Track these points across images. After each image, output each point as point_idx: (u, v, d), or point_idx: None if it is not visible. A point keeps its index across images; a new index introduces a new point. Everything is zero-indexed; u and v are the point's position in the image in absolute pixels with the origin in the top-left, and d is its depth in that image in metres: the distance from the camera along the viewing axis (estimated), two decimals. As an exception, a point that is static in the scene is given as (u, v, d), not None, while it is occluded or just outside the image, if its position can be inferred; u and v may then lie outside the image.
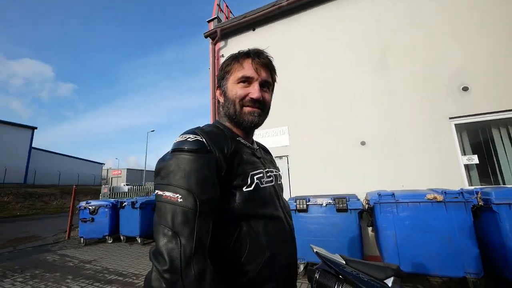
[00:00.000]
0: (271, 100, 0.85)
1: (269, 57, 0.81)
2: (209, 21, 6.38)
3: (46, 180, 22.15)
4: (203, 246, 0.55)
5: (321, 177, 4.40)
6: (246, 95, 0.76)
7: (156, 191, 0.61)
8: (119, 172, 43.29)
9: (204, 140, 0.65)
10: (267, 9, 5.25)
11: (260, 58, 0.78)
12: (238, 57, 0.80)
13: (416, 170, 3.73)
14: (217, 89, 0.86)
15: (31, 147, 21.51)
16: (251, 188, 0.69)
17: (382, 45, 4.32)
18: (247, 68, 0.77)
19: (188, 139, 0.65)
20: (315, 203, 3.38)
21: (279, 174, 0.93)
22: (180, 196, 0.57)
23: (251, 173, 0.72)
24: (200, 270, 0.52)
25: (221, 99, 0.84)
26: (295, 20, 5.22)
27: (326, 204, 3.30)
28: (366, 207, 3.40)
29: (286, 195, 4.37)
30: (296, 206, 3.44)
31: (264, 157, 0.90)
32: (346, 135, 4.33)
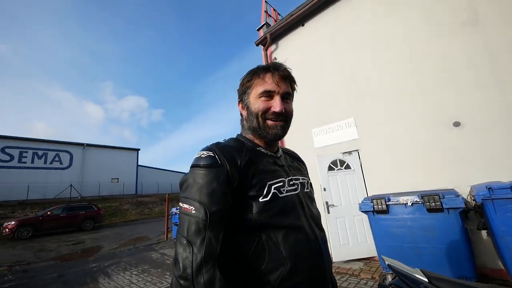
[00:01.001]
0: (293, 109, 0.85)
1: (287, 69, 0.81)
2: (258, 29, 6.54)
3: (149, 190, 27.33)
4: (212, 255, 0.58)
5: (404, 171, 3.74)
6: (269, 108, 0.77)
7: (180, 203, 0.66)
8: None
9: (215, 155, 0.69)
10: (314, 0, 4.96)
11: (279, 71, 0.79)
12: (258, 72, 0.81)
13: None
14: (239, 103, 0.88)
15: (137, 165, 27.09)
16: (267, 198, 0.69)
17: (471, -3, 3.37)
18: (268, 83, 0.78)
19: (202, 156, 0.69)
20: (397, 202, 2.88)
21: (307, 181, 0.90)
22: (193, 208, 0.62)
23: (268, 183, 0.71)
24: (209, 279, 0.55)
25: (244, 113, 0.86)
26: (348, 2, 4.73)
27: (412, 203, 2.77)
28: (473, 205, 2.66)
29: (362, 194, 4.00)
30: (373, 207, 3.03)
31: (289, 164, 0.89)
32: (432, 116, 3.55)
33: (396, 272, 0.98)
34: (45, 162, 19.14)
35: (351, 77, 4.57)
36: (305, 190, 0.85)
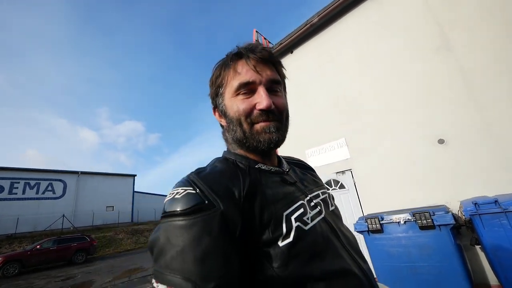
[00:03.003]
0: (286, 103, 0.63)
1: (266, 49, 0.60)
2: (250, 57, 6.92)
3: (146, 217, 26.52)
4: None
5: (397, 188, 3.81)
6: (252, 107, 0.56)
7: (153, 280, 0.41)
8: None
9: (197, 191, 0.45)
10: (301, 30, 5.37)
11: (255, 53, 0.57)
12: (226, 63, 0.60)
13: (531, 164, 2.82)
14: (214, 111, 0.67)
15: (133, 191, 26.56)
16: (290, 239, 0.46)
17: (439, 21, 3.71)
18: (244, 72, 0.56)
19: (176, 196, 0.45)
20: (391, 221, 2.91)
21: (329, 194, 0.68)
22: None
23: (285, 214, 0.49)
24: None
25: (223, 122, 0.64)
26: (333, 30, 5.12)
27: (405, 221, 2.80)
28: (463, 220, 2.71)
29: (358, 213, 4.02)
30: (368, 227, 3.04)
31: (301, 177, 0.67)
32: (419, 134, 3.71)
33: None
34: (37, 192, 18.71)
35: (339, 98, 4.80)
36: (331, 209, 0.63)
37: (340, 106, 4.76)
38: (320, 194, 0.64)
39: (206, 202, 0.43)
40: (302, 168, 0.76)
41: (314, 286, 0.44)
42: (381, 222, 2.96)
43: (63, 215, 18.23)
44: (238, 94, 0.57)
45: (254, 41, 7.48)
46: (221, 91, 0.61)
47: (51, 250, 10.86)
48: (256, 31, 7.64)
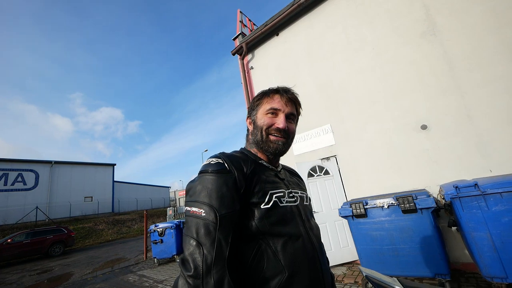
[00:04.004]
0: (295, 130, 0.91)
1: (295, 93, 0.89)
2: (234, 39, 6.60)
3: (127, 207, 25.86)
4: (222, 257, 0.59)
5: (381, 174, 3.87)
6: (273, 124, 0.83)
7: (185, 207, 0.68)
8: (184, 193, 47.53)
9: (224, 162, 0.72)
10: (287, 10, 5.13)
11: (288, 94, 0.86)
12: (268, 93, 0.89)
13: (506, 149, 2.93)
14: (247, 119, 0.95)
15: (113, 181, 25.60)
16: (268, 206, 0.71)
17: (425, 4, 3.67)
18: (276, 101, 0.85)
19: (211, 162, 0.73)
20: (375, 205, 2.95)
21: (306, 195, 0.94)
22: (203, 211, 0.63)
23: (270, 192, 0.74)
24: (219, 279, 0.57)
25: (250, 127, 0.92)
26: (320, 12, 4.93)
27: (388, 206, 2.85)
28: (443, 203, 2.80)
29: (341, 199, 4.06)
30: (352, 212, 3.07)
31: (289, 179, 0.93)
32: (403, 120, 3.74)
33: (373, 283, 0.96)
34: (5, 184, 17.44)
35: (325, 84, 4.72)
36: (305, 203, 0.89)
37: (327, 91, 4.68)
38: (299, 193, 0.90)
39: (228, 168, 0.71)
40: (293, 175, 1.04)
41: (275, 239, 0.69)
42: (365, 206, 3.00)
43: (37, 207, 17.21)
44: (267, 113, 0.85)
45: (237, 23, 7.16)
46: (257, 108, 0.89)
47: (25, 243, 10.27)
48: (240, 12, 7.27)
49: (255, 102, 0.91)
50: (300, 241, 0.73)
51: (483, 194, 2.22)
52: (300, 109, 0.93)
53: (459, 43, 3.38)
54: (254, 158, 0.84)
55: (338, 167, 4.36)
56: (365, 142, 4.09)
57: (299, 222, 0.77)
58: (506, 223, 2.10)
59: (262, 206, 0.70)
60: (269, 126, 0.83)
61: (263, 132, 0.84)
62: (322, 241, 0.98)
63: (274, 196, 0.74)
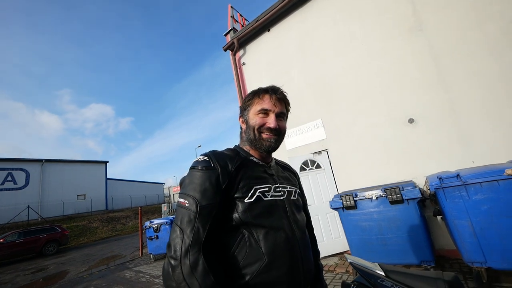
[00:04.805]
0: (286, 127, 0.97)
1: (284, 92, 0.95)
2: (225, 34, 6.55)
3: (121, 205, 25.68)
4: (199, 242, 0.68)
5: (370, 166, 3.98)
6: (264, 124, 0.88)
7: (178, 198, 0.79)
8: (178, 188, 47.43)
9: (210, 160, 0.80)
10: (278, 5, 5.11)
11: (277, 94, 0.91)
12: (258, 93, 0.93)
13: (487, 141, 3.06)
14: (240, 118, 0.99)
15: (106, 179, 25.32)
16: (251, 200, 0.78)
17: (413, 1, 3.73)
18: (266, 102, 0.89)
19: (199, 160, 0.81)
20: (364, 197, 3.05)
21: (295, 190, 0.98)
22: (187, 202, 0.73)
23: (254, 187, 0.81)
24: (194, 261, 0.65)
25: (243, 126, 0.97)
26: (311, 7, 4.94)
27: (377, 197, 2.95)
28: (428, 194, 2.92)
29: (333, 192, 4.17)
30: (343, 204, 3.17)
31: (279, 174, 0.98)
32: (391, 114, 3.83)
33: (357, 269, 1.03)
34: (-6, 183, 17.02)
35: (316, 79, 4.77)
36: (292, 198, 0.93)
37: (318, 86, 4.74)
38: (288, 187, 0.94)
39: (212, 165, 0.79)
40: (285, 169, 1.07)
41: (258, 229, 0.76)
42: (355, 198, 3.09)
43: (28, 206, 16.93)
44: (259, 113, 0.90)
45: (229, 18, 7.10)
46: (248, 108, 0.94)
47: (17, 243, 10.16)
48: (232, 7, 7.19)
49: (246, 103, 0.95)
50: (282, 232, 0.79)
51: (465, 184, 2.33)
52: (289, 107, 0.99)
53: (444, 38, 3.47)
54: (245, 155, 0.90)
55: (329, 160, 4.45)
56: (355, 136, 4.18)
57: (283, 215, 0.83)
58: (485, 211, 2.22)
59: (245, 200, 0.77)
60: (261, 126, 0.88)
61: (256, 132, 0.89)
62: (314, 233, 1.10)
63: (258, 191, 0.81)
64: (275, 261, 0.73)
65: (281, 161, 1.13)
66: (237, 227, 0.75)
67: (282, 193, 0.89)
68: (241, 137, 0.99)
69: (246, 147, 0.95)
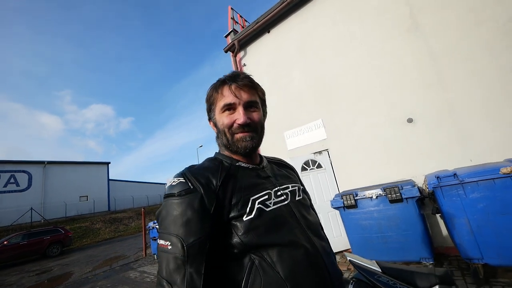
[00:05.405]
0: (263, 117, 0.82)
1: (247, 77, 0.78)
2: (226, 36, 6.61)
3: (123, 205, 25.79)
4: None
5: (370, 166, 4.04)
6: (233, 122, 0.74)
7: (157, 239, 0.61)
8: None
9: (187, 180, 0.64)
10: (278, 7, 5.17)
11: (237, 82, 0.75)
12: (217, 87, 0.78)
13: (484, 140, 3.12)
14: (209, 121, 0.85)
15: (108, 179, 25.44)
16: (251, 216, 0.64)
17: (410, 3, 3.78)
18: (226, 95, 0.75)
19: (173, 183, 0.65)
20: (364, 196, 3.12)
21: (298, 187, 0.84)
22: (169, 243, 0.57)
23: (251, 199, 0.67)
24: None
25: (215, 130, 0.83)
26: (310, 9, 5.00)
27: (377, 196, 3.02)
28: (427, 193, 2.98)
29: (334, 191, 4.23)
30: (343, 203, 3.24)
31: (276, 173, 0.84)
32: (391, 114, 3.89)
33: (355, 266, 1.09)
34: (-3, 186, 17.15)
35: (316, 79, 4.83)
36: (297, 198, 0.79)
37: (318, 87, 4.80)
38: (290, 187, 0.80)
39: (191, 186, 0.63)
40: (280, 166, 0.94)
41: (269, 251, 0.62)
42: (355, 198, 3.16)
43: (31, 208, 17.06)
44: (224, 111, 0.76)
45: (229, 20, 7.14)
46: (213, 108, 0.80)
47: (21, 245, 10.26)
48: (232, 8, 7.25)
49: (208, 101, 0.81)
50: (298, 246, 0.65)
51: (462, 183, 2.39)
52: (260, 91, 0.82)
53: (443, 39, 3.52)
54: (230, 162, 0.76)
55: (330, 160, 4.52)
56: (355, 136, 4.24)
57: (293, 224, 0.69)
58: (481, 209, 2.29)
59: (244, 218, 0.63)
60: (230, 126, 0.74)
61: (227, 134, 0.75)
62: (324, 235, 0.85)
63: (256, 202, 0.67)
64: (299, 285, 0.60)
65: (273, 157, 0.98)
66: (241, 254, 0.61)
67: (285, 196, 0.75)
68: (218, 143, 0.84)
69: (226, 153, 0.80)
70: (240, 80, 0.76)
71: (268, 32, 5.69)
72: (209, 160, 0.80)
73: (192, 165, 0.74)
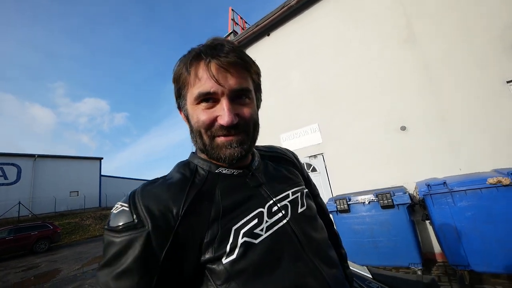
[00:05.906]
0: (256, 111, 0.57)
1: (234, 49, 0.50)
2: (226, 37, 6.63)
3: (115, 202, 25.32)
4: None
5: (363, 171, 4.11)
6: (214, 120, 0.50)
7: None
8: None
9: (130, 208, 0.45)
10: (278, 12, 5.22)
11: (219, 57, 0.48)
12: (187, 63, 0.51)
13: (474, 149, 3.22)
14: (179, 111, 0.59)
15: (100, 175, 25.06)
16: (234, 256, 0.45)
17: (407, 13, 3.88)
18: (204, 80, 0.48)
19: (115, 211, 0.47)
20: (357, 201, 3.18)
21: (301, 193, 0.63)
22: None
23: (233, 229, 0.47)
24: None
25: (188, 125, 0.57)
26: (310, 14, 5.07)
27: (369, 202, 3.08)
28: (417, 200, 3.06)
29: (328, 195, 4.29)
30: (336, 207, 3.29)
31: (272, 175, 0.62)
32: (385, 120, 3.98)
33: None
34: (-16, 178, 16.71)
35: (314, 84, 4.90)
36: (300, 210, 0.58)
37: (315, 92, 4.86)
38: (290, 195, 0.59)
39: (136, 221, 0.44)
40: (278, 162, 0.69)
41: None
42: (348, 202, 3.22)
43: (19, 202, 16.67)
44: (199, 103, 0.50)
45: (229, 21, 7.15)
46: (183, 93, 0.54)
47: (7, 240, 10.01)
48: (232, 10, 7.28)
49: (178, 82, 0.54)
50: (308, 282, 0.48)
51: (451, 192, 2.47)
52: (255, 72, 0.57)
53: (435, 49, 3.62)
54: (208, 170, 0.55)
55: (325, 164, 4.58)
56: (350, 141, 4.32)
57: (295, 254, 0.50)
58: (469, 217, 2.37)
59: (224, 260, 0.45)
60: (209, 126, 0.50)
61: (204, 137, 0.52)
62: (334, 228, 0.75)
63: (241, 233, 0.47)
64: None
65: (268, 148, 0.75)
66: None
67: (283, 212, 0.54)
68: (193, 143, 0.58)
69: (204, 155, 0.57)
70: (225, 55, 0.48)
71: (268, 35, 5.74)
72: (179, 167, 0.57)
73: (154, 180, 0.53)
